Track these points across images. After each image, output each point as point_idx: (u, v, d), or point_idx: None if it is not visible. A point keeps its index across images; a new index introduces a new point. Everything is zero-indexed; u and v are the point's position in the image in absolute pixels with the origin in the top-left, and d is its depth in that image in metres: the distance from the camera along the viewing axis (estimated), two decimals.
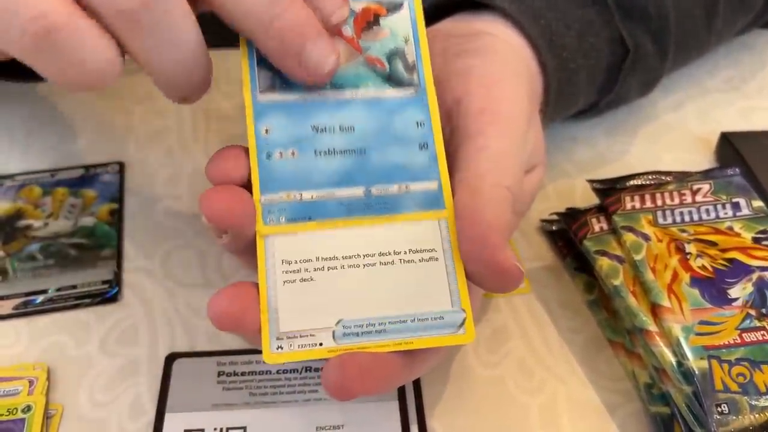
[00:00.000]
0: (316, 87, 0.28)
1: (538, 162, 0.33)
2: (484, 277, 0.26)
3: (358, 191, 0.27)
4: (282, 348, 0.26)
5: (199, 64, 0.25)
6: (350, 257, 0.27)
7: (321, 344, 0.26)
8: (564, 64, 0.36)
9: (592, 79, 0.38)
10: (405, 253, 0.27)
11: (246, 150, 0.27)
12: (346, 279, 0.27)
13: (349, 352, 0.26)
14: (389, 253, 0.27)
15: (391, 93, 0.29)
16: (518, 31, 0.34)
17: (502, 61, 0.32)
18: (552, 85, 0.35)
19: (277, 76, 0.28)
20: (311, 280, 0.27)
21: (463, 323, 0.27)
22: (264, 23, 0.25)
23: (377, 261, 0.27)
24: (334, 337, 0.26)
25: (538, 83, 0.34)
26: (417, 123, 0.28)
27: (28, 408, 0.30)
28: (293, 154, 0.27)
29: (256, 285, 0.26)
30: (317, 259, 0.27)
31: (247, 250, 0.27)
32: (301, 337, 0.26)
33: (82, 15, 0.22)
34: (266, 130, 0.27)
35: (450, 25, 0.35)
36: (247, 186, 0.27)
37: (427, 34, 0.30)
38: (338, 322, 0.26)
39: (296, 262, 0.27)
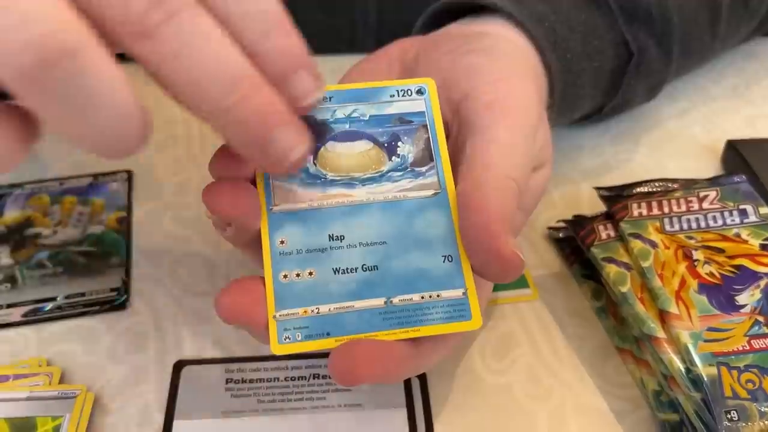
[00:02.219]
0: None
1: (545, 160, 0.33)
2: (484, 265, 0.26)
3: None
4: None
5: (127, 127, 0.20)
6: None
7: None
8: (568, 66, 0.36)
9: (596, 81, 0.38)
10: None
11: None
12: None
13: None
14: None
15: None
16: (523, 33, 0.34)
17: (509, 60, 0.32)
18: (557, 87, 0.35)
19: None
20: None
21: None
22: (221, 111, 0.21)
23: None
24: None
25: (544, 84, 0.35)
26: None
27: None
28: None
29: (263, 279, 0.27)
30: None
31: (251, 243, 0.27)
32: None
33: None
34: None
35: (456, 28, 0.35)
36: (252, 181, 0.27)
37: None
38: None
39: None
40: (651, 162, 0.44)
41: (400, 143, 0.28)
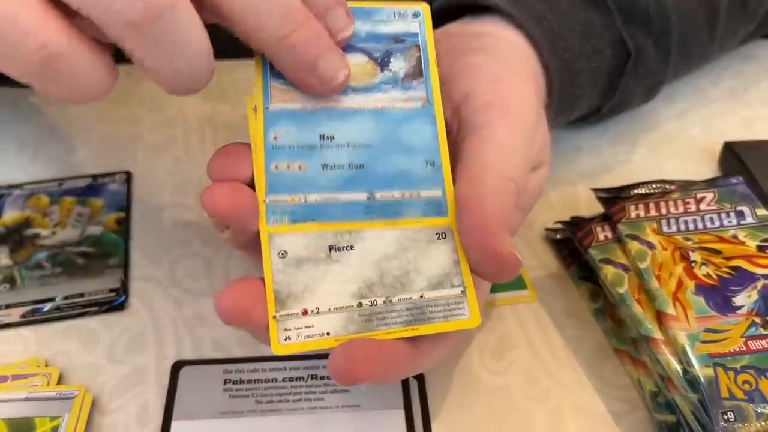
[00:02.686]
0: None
1: (543, 160, 0.33)
2: (481, 265, 0.27)
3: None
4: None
5: (204, 70, 0.25)
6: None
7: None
8: (566, 66, 0.36)
9: (594, 81, 0.38)
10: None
11: (248, 147, 0.28)
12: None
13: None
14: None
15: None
16: (521, 32, 0.35)
17: (507, 59, 0.32)
18: (555, 86, 0.35)
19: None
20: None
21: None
22: (278, 39, 0.26)
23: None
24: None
25: (542, 83, 0.35)
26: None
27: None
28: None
29: (262, 280, 0.27)
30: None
31: (250, 244, 0.28)
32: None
33: (82, 39, 0.23)
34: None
35: (454, 27, 0.35)
36: (250, 183, 0.27)
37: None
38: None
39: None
40: (649, 163, 0.44)
41: (392, 59, 0.30)
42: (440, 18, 0.37)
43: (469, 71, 0.31)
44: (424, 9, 0.30)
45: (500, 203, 0.27)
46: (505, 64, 0.32)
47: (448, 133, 0.30)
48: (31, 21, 0.22)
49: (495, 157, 0.28)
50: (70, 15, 0.23)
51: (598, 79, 0.39)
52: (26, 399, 0.31)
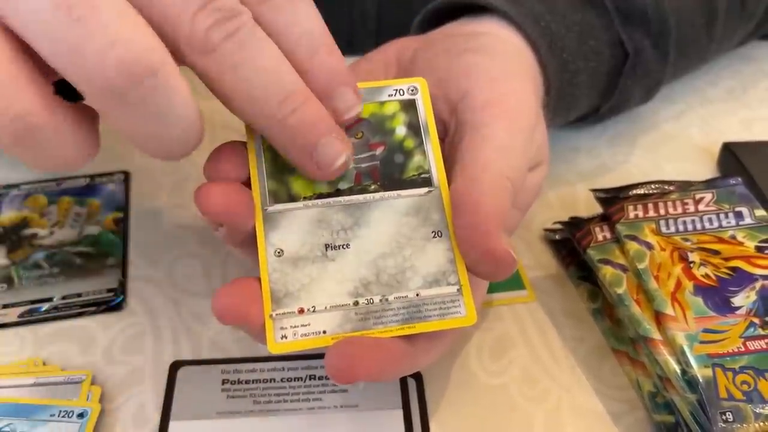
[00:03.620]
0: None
1: (542, 160, 0.33)
2: (477, 263, 0.27)
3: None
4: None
5: (190, 138, 0.23)
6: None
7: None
8: (564, 66, 0.36)
9: (592, 81, 0.38)
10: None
11: (244, 146, 0.28)
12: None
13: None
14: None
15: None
16: (519, 32, 0.35)
17: (506, 59, 0.32)
18: (553, 86, 0.35)
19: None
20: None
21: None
22: (276, 120, 0.24)
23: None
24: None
25: (540, 83, 0.35)
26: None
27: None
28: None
29: (258, 279, 0.27)
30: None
31: (245, 242, 0.27)
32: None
33: (61, 107, 0.21)
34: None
35: (452, 27, 0.35)
36: (245, 183, 0.27)
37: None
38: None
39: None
40: (647, 164, 0.44)
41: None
42: (438, 19, 0.37)
43: (468, 71, 0.31)
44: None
45: (497, 202, 0.27)
46: (503, 63, 0.32)
47: (445, 135, 0.30)
48: (4, 84, 0.20)
49: (493, 157, 0.28)
50: (48, 71, 0.21)
51: (597, 80, 0.39)
52: (34, 384, 0.31)
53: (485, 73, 0.31)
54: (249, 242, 0.27)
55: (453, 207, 0.27)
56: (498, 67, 0.31)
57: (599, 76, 0.38)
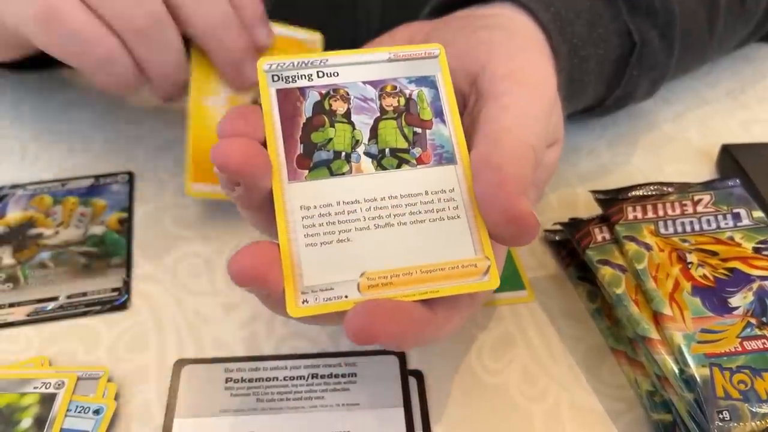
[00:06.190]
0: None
1: (558, 138, 0.33)
2: (499, 225, 0.26)
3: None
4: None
5: (181, 67, 0.37)
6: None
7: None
8: (575, 51, 0.36)
9: (601, 68, 0.38)
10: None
11: (259, 109, 0.27)
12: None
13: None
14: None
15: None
16: (530, 17, 0.35)
17: (524, 37, 0.33)
18: (564, 70, 0.36)
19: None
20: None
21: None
22: (218, 42, 0.36)
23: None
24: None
25: (554, 64, 0.35)
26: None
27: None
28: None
29: (277, 245, 0.26)
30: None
31: (260, 205, 0.27)
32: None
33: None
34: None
35: (464, 12, 0.36)
36: (262, 144, 0.27)
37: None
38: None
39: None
40: (647, 165, 0.44)
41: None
42: (448, 9, 0.37)
43: (487, 45, 0.31)
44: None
45: (520, 165, 0.26)
46: (522, 40, 0.32)
47: (464, 107, 0.30)
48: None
49: (515, 124, 0.27)
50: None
51: (605, 67, 0.39)
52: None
53: (504, 47, 0.30)
54: (265, 206, 0.27)
55: (474, 170, 0.27)
56: (516, 42, 0.31)
57: (607, 63, 0.39)
